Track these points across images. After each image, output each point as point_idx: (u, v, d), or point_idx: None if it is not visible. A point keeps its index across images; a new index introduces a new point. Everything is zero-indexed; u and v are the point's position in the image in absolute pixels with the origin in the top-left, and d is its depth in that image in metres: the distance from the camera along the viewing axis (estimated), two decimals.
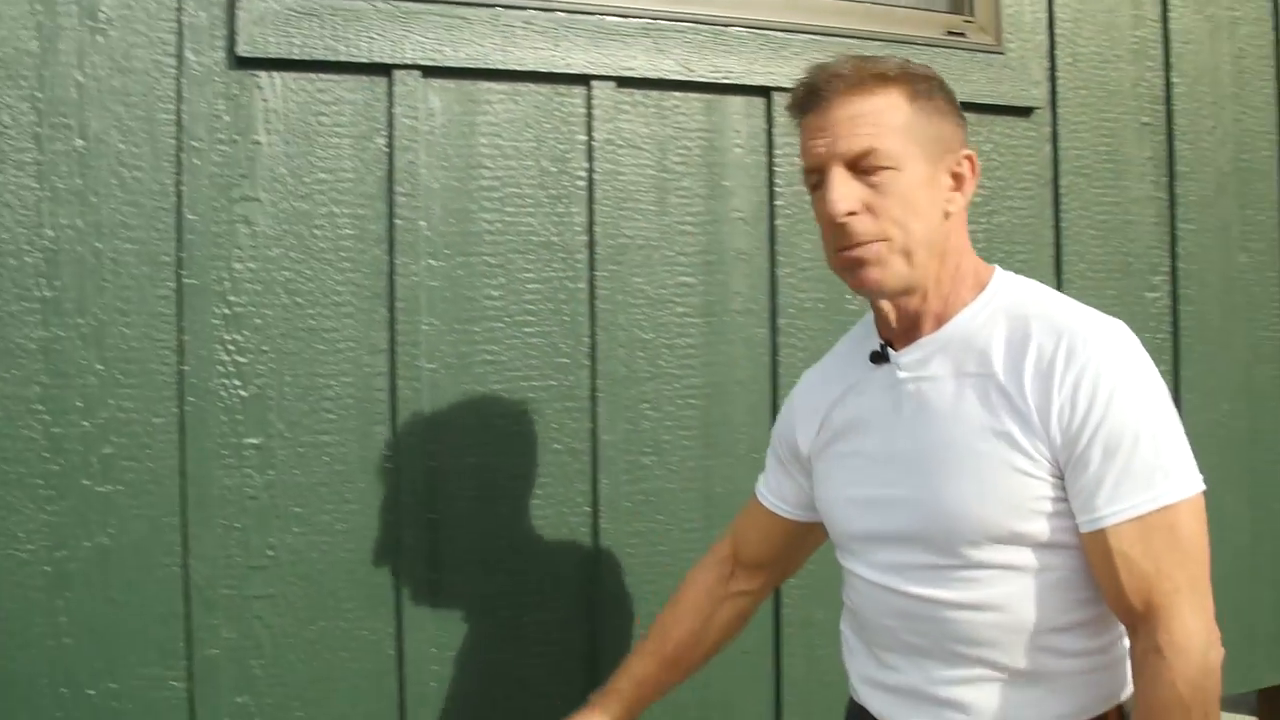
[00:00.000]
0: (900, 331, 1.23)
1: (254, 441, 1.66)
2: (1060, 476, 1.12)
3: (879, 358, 1.25)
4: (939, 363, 1.20)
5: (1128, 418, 1.10)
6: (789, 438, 1.38)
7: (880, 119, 1.14)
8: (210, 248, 1.63)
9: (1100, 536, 1.09)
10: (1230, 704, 4.29)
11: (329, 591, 1.69)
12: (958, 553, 1.15)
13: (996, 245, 2.13)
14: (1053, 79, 2.18)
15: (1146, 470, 1.09)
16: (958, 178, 1.20)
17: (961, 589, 1.16)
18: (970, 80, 2.08)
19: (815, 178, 1.18)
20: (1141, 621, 1.09)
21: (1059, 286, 2.17)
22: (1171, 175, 2.30)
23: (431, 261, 1.74)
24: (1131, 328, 2.21)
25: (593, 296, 1.82)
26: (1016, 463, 1.12)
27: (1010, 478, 1.12)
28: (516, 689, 1.79)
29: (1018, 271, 2.03)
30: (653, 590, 1.84)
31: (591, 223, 1.82)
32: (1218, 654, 1.08)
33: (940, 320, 1.21)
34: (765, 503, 1.44)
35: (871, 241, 1.15)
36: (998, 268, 1.27)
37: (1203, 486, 1.12)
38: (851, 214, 1.14)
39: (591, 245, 1.82)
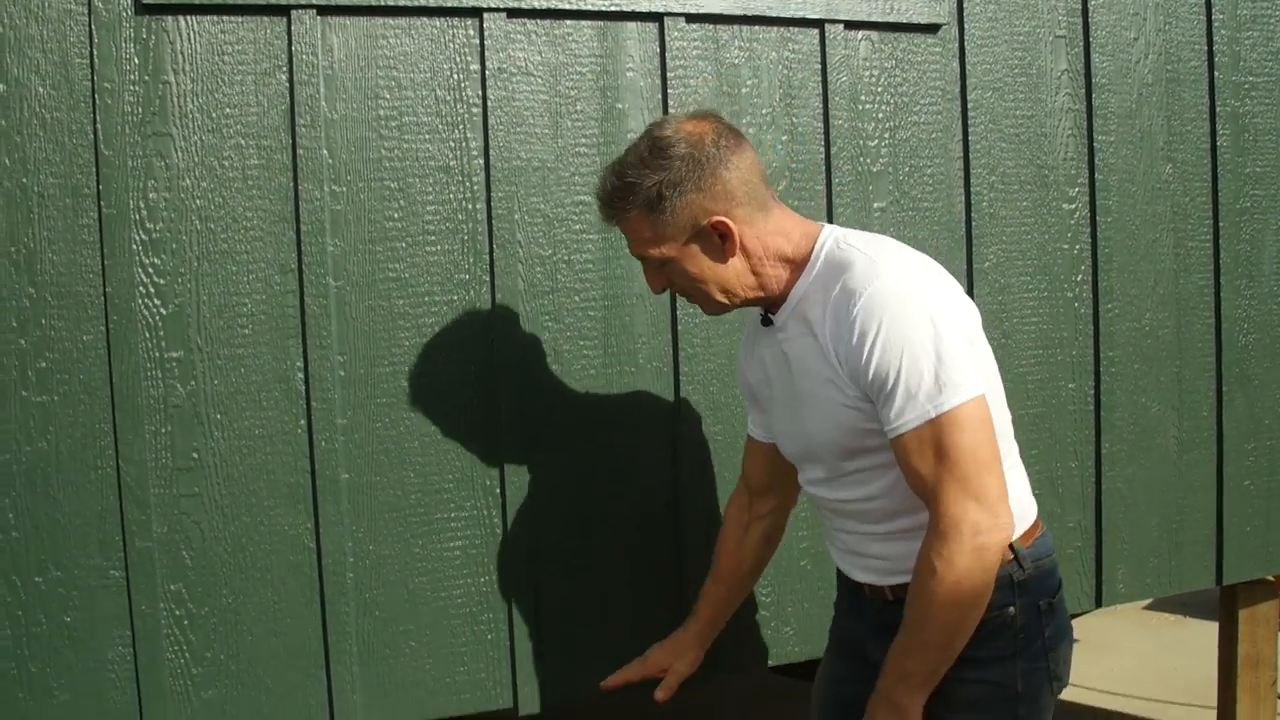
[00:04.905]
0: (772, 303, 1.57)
1: (175, 355, 1.82)
2: (871, 402, 1.43)
3: (767, 321, 1.58)
4: (791, 326, 1.53)
5: (888, 361, 1.38)
6: (743, 380, 1.74)
7: (639, 235, 1.49)
8: (127, 180, 1.79)
9: (894, 444, 1.42)
10: (1172, 605, 4.26)
11: (250, 491, 1.86)
12: (832, 465, 1.54)
13: (902, 160, 2.18)
14: None
15: (905, 399, 1.39)
16: (721, 234, 1.47)
17: (849, 489, 1.55)
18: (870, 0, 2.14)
19: None
20: (927, 507, 1.41)
21: (968, 199, 2.22)
22: (1089, 87, 2.31)
23: (334, 187, 1.87)
24: (1047, 238, 2.37)
25: (490, 216, 1.94)
26: (840, 399, 1.46)
27: (840, 411, 1.47)
28: (427, 581, 1.94)
29: (927, 184, 2.26)
30: (551, 490, 1.97)
31: (487, 147, 1.93)
32: (989, 536, 1.37)
33: (785, 294, 1.53)
34: (755, 435, 1.77)
35: (691, 297, 1.55)
36: (821, 230, 1.53)
37: (963, 398, 1.38)
38: (663, 289, 1.55)
39: (487, 168, 1.93)
